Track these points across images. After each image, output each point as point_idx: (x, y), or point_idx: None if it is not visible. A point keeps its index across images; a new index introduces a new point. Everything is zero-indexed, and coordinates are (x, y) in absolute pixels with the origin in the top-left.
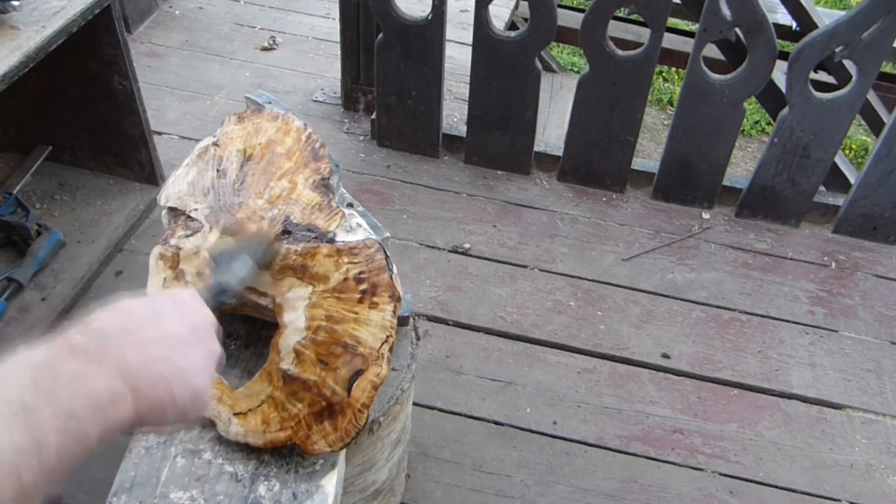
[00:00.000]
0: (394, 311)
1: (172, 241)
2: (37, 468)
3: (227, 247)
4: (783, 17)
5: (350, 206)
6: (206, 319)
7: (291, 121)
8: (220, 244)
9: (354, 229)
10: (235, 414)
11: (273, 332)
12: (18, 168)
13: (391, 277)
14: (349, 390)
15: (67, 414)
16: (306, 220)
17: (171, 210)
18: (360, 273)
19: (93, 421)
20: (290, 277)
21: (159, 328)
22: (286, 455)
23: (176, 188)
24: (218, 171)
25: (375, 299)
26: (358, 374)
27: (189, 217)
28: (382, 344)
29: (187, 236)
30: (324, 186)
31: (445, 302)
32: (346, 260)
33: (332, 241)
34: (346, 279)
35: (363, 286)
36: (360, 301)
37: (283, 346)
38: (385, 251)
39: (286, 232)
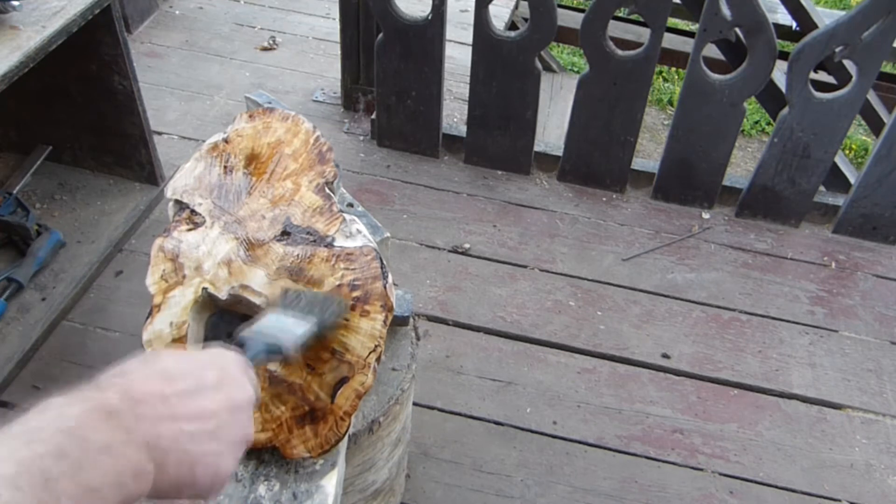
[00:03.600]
0: (384, 321)
1: (175, 234)
2: None
3: (302, 297)
4: (783, 17)
5: (350, 205)
6: (248, 397)
7: (301, 122)
8: (298, 291)
9: (354, 235)
10: None
11: None
12: (18, 168)
13: (385, 287)
14: (333, 397)
15: (88, 488)
16: (307, 222)
17: (177, 203)
18: (355, 280)
19: (112, 496)
20: (286, 279)
21: (197, 403)
22: None
23: (183, 181)
24: (225, 167)
25: (367, 308)
26: (343, 381)
27: (193, 212)
28: (370, 353)
29: (189, 230)
30: (327, 190)
31: (445, 302)
32: (342, 265)
33: (330, 245)
34: (340, 285)
35: (356, 293)
36: (352, 308)
37: None
38: (382, 260)
39: (285, 233)
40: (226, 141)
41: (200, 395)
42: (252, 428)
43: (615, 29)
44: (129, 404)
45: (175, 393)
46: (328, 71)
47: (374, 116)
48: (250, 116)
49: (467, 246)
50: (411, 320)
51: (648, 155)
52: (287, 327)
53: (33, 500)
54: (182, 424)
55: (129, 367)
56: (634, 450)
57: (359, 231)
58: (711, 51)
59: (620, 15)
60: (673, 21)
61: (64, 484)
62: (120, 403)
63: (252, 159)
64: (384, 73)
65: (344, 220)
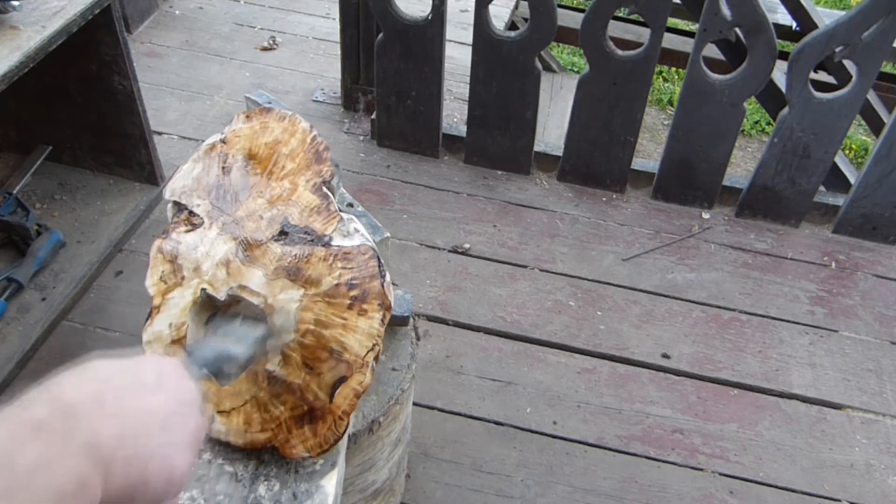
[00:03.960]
0: (382, 320)
1: (174, 235)
2: None
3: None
4: (783, 17)
5: (350, 205)
6: (193, 393)
7: (298, 122)
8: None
9: (351, 234)
10: (219, 412)
11: None
12: (18, 168)
13: (383, 286)
14: (331, 396)
15: None
16: (304, 222)
17: (176, 204)
18: (353, 279)
19: None
20: (283, 279)
21: (139, 399)
22: None
23: (181, 183)
24: (223, 168)
25: (365, 306)
26: (341, 380)
27: (192, 213)
28: (368, 352)
29: (188, 231)
30: (324, 189)
31: (445, 302)
32: (339, 265)
33: (327, 244)
34: (337, 284)
35: (354, 292)
36: (350, 307)
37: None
38: (379, 259)
39: (283, 233)
40: (223, 142)
41: (140, 391)
42: (204, 420)
43: (615, 29)
44: (60, 412)
45: (112, 390)
46: (328, 71)
47: (374, 116)
48: (247, 117)
49: (467, 246)
50: (411, 320)
51: (648, 155)
52: (235, 340)
53: None
54: (125, 423)
55: (59, 378)
56: (634, 450)
57: (356, 230)
58: (711, 51)
59: (620, 15)
60: (673, 21)
61: None
62: (49, 415)
63: (250, 159)
64: (384, 73)
65: (341, 219)
